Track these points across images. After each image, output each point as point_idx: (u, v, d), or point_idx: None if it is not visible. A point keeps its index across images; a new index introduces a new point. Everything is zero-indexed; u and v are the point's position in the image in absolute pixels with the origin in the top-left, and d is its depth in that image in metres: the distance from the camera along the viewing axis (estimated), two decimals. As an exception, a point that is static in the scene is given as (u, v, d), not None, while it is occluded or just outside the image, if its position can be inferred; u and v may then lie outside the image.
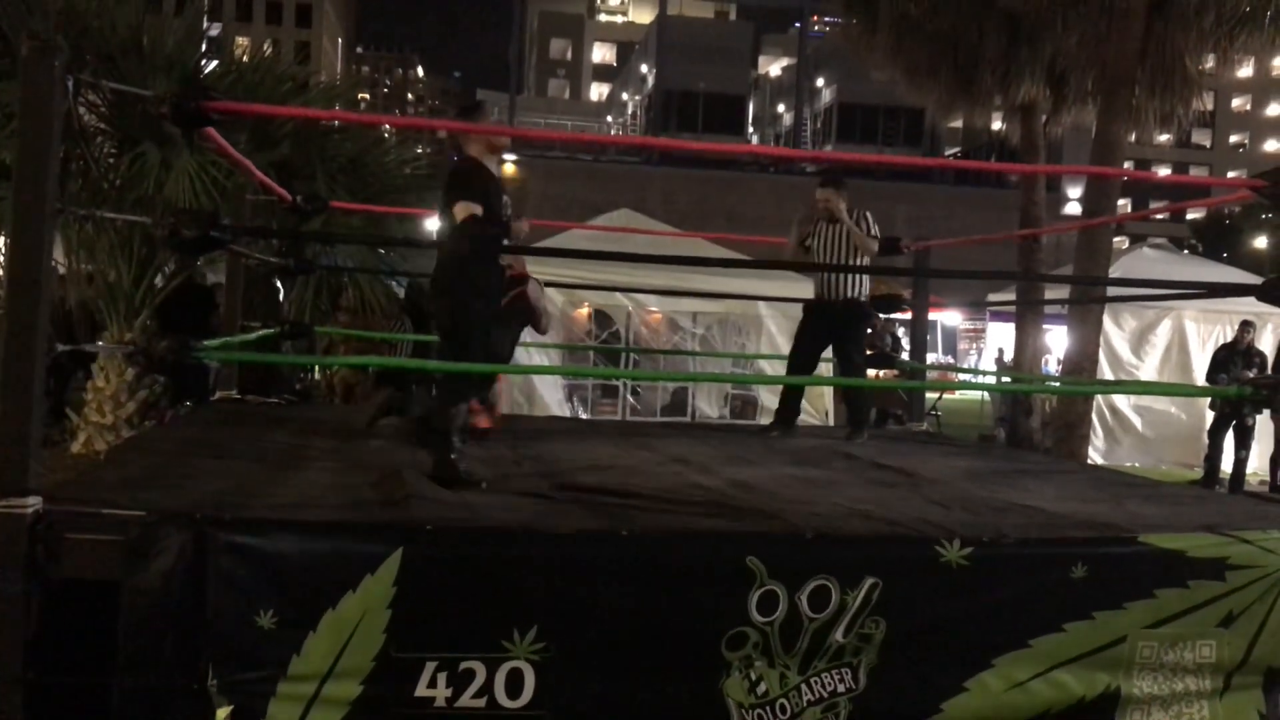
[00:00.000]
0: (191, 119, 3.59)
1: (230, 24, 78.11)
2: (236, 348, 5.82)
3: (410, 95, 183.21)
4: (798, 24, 58.07)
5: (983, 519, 4.21)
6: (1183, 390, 11.26)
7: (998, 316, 22.13)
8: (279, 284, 9.34)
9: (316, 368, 9.07)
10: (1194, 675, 3.95)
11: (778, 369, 10.89)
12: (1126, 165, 11.18)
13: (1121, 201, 52.96)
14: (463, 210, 4.68)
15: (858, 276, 6.97)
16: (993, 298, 17.87)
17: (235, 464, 4.59)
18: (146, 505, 3.41)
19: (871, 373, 11.93)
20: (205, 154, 7.83)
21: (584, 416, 10.80)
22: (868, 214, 7.01)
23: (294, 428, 6.03)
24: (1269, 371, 11.76)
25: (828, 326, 7.12)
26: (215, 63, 10.18)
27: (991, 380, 15.57)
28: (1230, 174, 76.29)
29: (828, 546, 3.70)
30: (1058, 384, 11.20)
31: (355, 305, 9.86)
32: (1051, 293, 13.19)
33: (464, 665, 3.39)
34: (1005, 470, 5.90)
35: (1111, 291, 10.33)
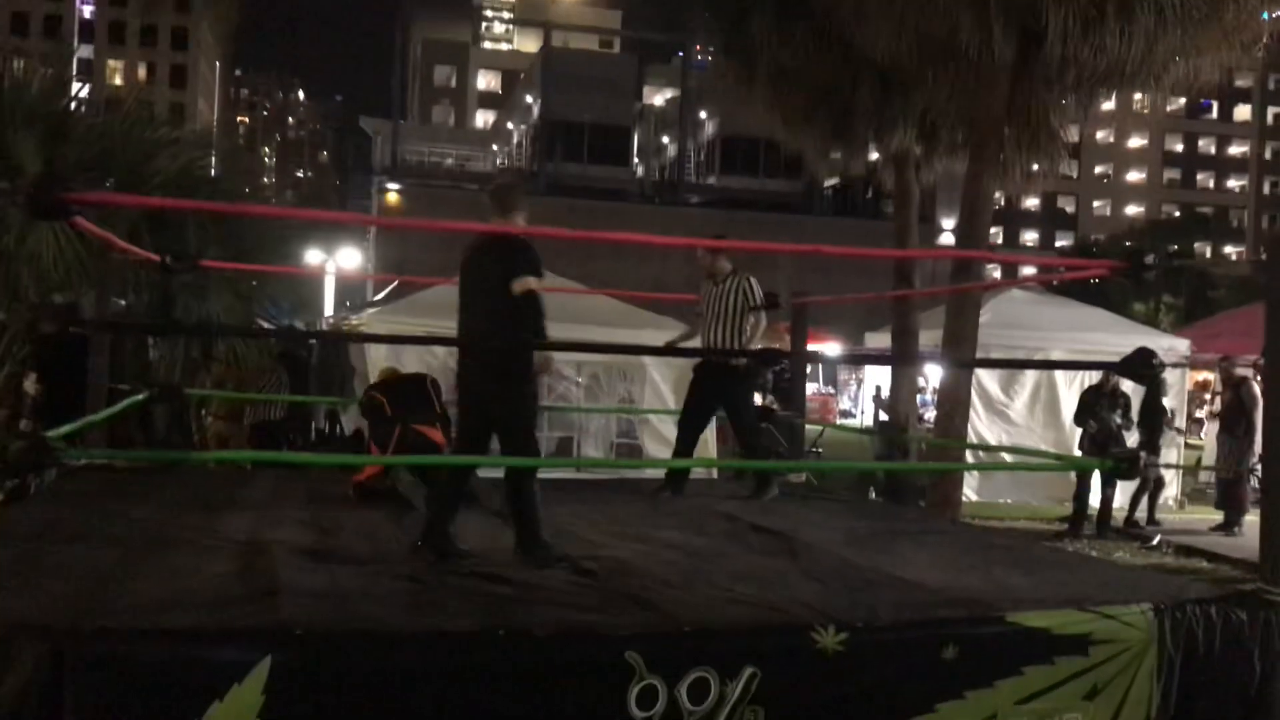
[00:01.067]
0: (52, 213, 3.45)
1: (102, 46, 75.83)
2: (103, 421, 5.61)
3: (291, 119, 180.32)
4: (681, 55, 58.77)
5: (858, 598, 4.27)
6: (1055, 465, 11.65)
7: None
8: (148, 342, 9.05)
9: (191, 424, 8.76)
10: (1061, 749, 4.05)
11: (665, 422, 10.93)
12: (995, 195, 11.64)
13: (994, 229, 54.76)
14: (523, 285, 4.83)
15: (737, 337, 7.07)
16: (870, 335, 18.29)
17: (96, 553, 4.41)
18: (-1, 615, 3.26)
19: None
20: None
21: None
22: (750, 279, 7.13)
23: (161, 501, 5.83)
24: (1132, 413, 12.20)
25: (714, 388, 7.23)
26: (82, 93, 9.74)
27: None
28: (1095, 204, 79.50)
29: (706, 639, 3.71)
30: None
31: (228, 357, 9.64)
32: (926, 329, 13.51)
33: (339, 776, 3.31)
34: (881, 533, 6.01)
35: (984, 338, 10.67)
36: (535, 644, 3.57)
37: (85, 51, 71.68)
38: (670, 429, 11.00)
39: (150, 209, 8.66)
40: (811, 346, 25.70)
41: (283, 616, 3.63)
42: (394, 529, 5.49)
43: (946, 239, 43.63)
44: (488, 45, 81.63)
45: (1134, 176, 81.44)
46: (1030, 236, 78.95)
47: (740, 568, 4.84)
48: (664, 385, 11.22)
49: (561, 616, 3.82)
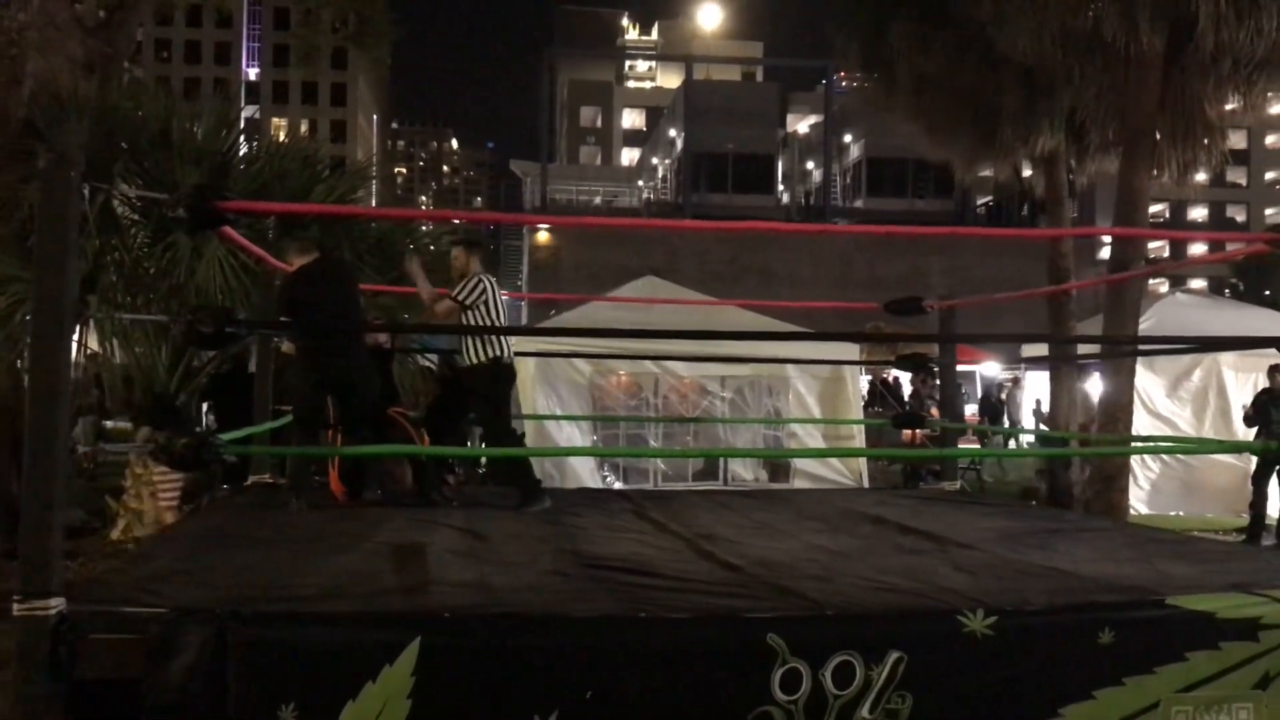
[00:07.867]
0: (206, 220, 3.66)
1: (267, 106, 79.81)
2: (267, 434, 5.88)
3: (445, 167, 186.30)
4: (824, 81, 58.47)
5: (1009, 585, 4.16)
6: (1209, 447, 11.06)
7: (1034, 365, 21.96)
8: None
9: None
10: (1232, 740, 3.85)
11: (810, 431, 10.83)
12: (1159, 208, 11.15)
13: (1157, 245, 52.55)
14: None
15: (473, 341, 6.71)
16: (1027, 348, 17.76)
17: (259, 553, 4.62)
18: (167, 602, 3.44)
19: (905, 434, 11.91)
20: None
21: (616, 486, 10.80)
22: (473, 281, 6.73)
23: (321, 511, 6.07)
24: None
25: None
26: (244, 149, 10.27)
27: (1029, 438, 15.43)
28: (1269, 211, 75.63)
29: (849, 622, 3.67)
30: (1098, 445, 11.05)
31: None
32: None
33: (484, 754, 3.37)
34: (1037, 531, 5.83)
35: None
36: (676, 626, 3.59)
37: (253, 112, 75.67)
38: (817, 440, 10.94)
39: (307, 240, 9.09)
40: (967, 367, 24.92)
41: (431, 602, 3.74)
42: (545, 535, 5.57)
43: (1107, 253, 42.24)
44: (631, 84, 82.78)
45: (1311, 182, 77.21)
46: (1198, 248, 75.41)
47: (886, 562, 4.76)
48: (809, 397, 11.12)
49: (702, 602, 3.83)
